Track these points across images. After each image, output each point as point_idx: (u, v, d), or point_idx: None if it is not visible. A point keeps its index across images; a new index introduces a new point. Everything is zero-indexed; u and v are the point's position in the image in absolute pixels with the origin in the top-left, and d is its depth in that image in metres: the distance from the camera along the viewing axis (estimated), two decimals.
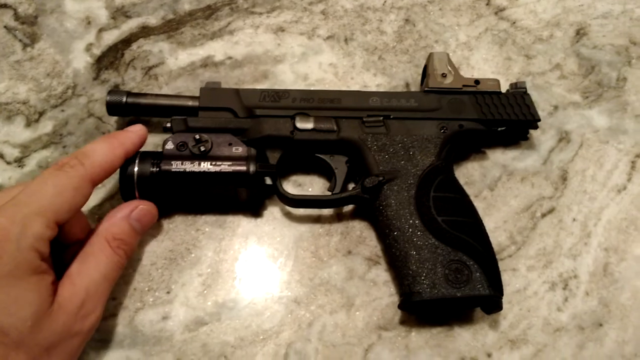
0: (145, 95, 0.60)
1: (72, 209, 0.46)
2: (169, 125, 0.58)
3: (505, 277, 0.56)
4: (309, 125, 0.58)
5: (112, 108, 0.59)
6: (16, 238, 0.42)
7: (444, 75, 0.61)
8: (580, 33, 0.71)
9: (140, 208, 0.52)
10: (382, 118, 0.59)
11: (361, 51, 0.69)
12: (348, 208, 0.60)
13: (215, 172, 0.55)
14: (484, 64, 0.68)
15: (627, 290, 0.57)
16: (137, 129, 0.55)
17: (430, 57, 0.62)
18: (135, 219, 0.52)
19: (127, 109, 0.59)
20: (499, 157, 0.63)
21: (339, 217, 0.60)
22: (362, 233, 0.59)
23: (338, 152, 0.59)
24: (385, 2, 0.72)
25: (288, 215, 0.60)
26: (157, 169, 0.54)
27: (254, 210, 0.60)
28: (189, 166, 0.55)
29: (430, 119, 0.59)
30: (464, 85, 0.61)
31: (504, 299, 0.53)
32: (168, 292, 0.55)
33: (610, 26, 0.71)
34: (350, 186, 0.60)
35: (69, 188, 0.46)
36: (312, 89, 0.66)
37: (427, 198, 0.55)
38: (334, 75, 0.67)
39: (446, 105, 0.60)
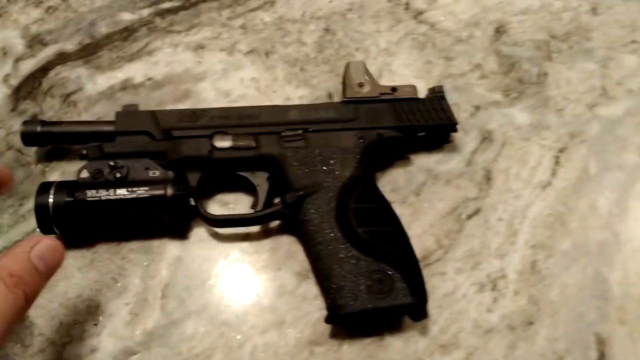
0: (59, 123, 0.59)
1: None
2: (84, 152, 0.57)
3: (434, 282, 0.56)
4: (227, 143, 0.57)
5: (27, 139, 0.58)
6: None
7: (360, 85, 0.61)
8: (499, 31, 0.71)
9: (42, 243, 0.46)
10: (301, 131, 0.58)
11: (282, 64, 0.69)
12: (276, 224, 0.59)
13: (132, 199, 0.54)
14: (405, 69, 0.68)
15: (555, 287, 0.57)
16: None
17: (346, 67, 0.62)
18: (38, 256, 0.46)
19: (42, 139, 0.58)
20: (423, 161, 0.63)
21: (266, 234, 0.59)
22: (290, 248, 0.58)
23: (259, 169, 0.58)
24: (304, 13, 0.72)
25: (215, 236, 0.59)
26: (72, 199, 0.53)
27: (180, 233, 0.59)
28: (104, 194, 0.54)
29: (348, 129, 0.59)
30: (381, 94, 0.60)
31: (433, 304, 0.53)
32: (95, 324, 0.54)
33: (530, 22, 0.71)
34: (277, 201, 0.59)
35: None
36: (233, 105, 0.65)
37: (347, 210, 0.54)
38: (256, 89, 0.67)
39: (364, 115, 0.59)
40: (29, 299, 0.45)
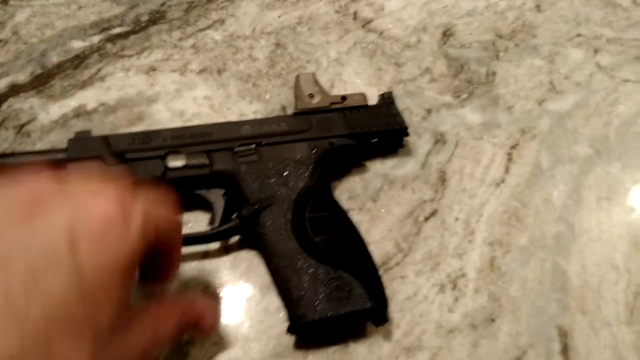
0: (12, 155, 0.59)
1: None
2: None
3: (394, 286, 0.56)
4: (180, 162, 0.58)
5: None
6: (137, 218, 0.35)
7: (311, 96, 0.61)
8: (447, 34, 0.72)
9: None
10: (254, 146, 0.59)
11: (235, 80, 0.69)
12: (235, 239, 0.59)
13: None
14: (356, 77, 0.69)
15: (515, 282, 0.58)
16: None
17: (296, 79, 0.62)
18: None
19: None
20: (378, 167, 0.64)
21: (226, 250, 0.59)
22: (251, 262, 0.58)
23: (214, 186, 0.59)
24: (254, 29, 0.73)
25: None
26: None
27: None
28: None
29: (300, 140, 0.59)
30: (331, 103, 0.61)
31: (395, 308, 0.53)
32: None
33: (476, 23, 0.73)
34: (234, 217, 0.60)
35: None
36: (187, 124, 0.66)
37: (302, 220, 0.55)
38: (210, 107, 0.67)
39: (316, 125, 0.60)
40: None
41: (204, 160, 0.58)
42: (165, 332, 0.42)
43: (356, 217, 0.57)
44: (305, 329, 0.53)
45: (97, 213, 0.34)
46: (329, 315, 0.51)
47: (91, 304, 0.33)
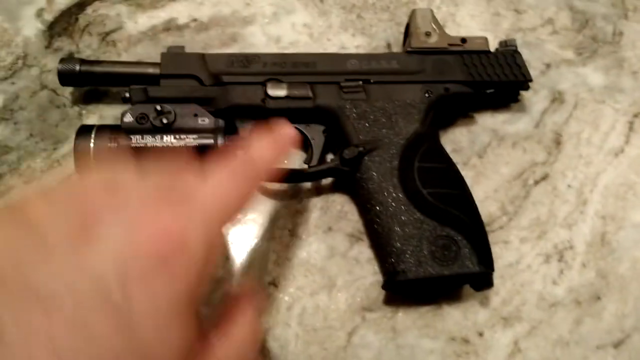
0: (100, 62, 0.55)
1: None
2: (127, 95, 0.53)
3: (496, 250, 0.52)
4: (282, 92, 0.53)
5: (65, 78, 0.54)
6: (195, 248, 0.31)
7: (427, 34, 0.56)
8: None
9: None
10: (361, 82, 0.54)
11: (338, 9, 0.63)
12: (327, 181, 0.55)
13: (180, 147, 0.50)
14: (470, 20, 0.63)
15: (625, 261, 0.54)
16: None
17: (412, 13, 0.57)
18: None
19: (81, 79, 0.54)
20: (488, 121, 0.58)
21: (317, 191, 0.55)
22: (342, 207, 0.55)
23: (314, 121, 0.54)
24: None
25: (262, 190, 0.55)
26: (116, 144, 0.50)
27: None
28: (150, 140, 0.50)
29: (413, 82, 0.54)
30: (449, 45, 0.56)
31: (496, 274, 0.49)
32: None
33: None
34: (329, 157, 0.55)
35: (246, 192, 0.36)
36: (284, 52, 0.61)
37: (411, 169, 0.50)
38: (309, 36, 0.62)
39: (430, 67, 0.55)
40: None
41: (306, 92, 0.53)
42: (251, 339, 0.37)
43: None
44: (405, 287, 0.49)
45: (151, 247, 0.29)
46: (433, 274, 0.47)
47: (145, 357, 0.28)
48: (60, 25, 0.62)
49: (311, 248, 0.53)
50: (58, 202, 0.30)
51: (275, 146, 0.40)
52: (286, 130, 0.41)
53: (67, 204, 0.30)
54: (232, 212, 0.35)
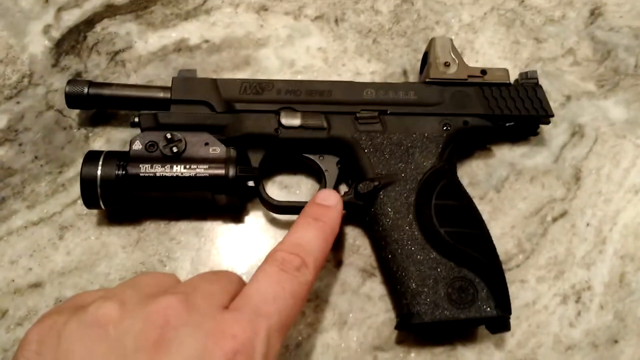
0: (109, 85, 0.53)
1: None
2: (136, 120, 0.51)
3: (513, 290, 0.51)
4: (296, 121, 0.52)
5: (73, 100, 0.52)
6: (261, 356, 0.34)
7: (447, 64, 0.54)
8: (595, 13, 0.64)
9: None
10: (377, 113, 0.52)
11: (353, 33, 0.62)
12: None
13: (190, 177, 0.48)
14: (489, 48, 0.61)
15: None
16: (335, 202, 0.46)
17: (431, 42, 0.55)
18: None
19: (89, 101, 0.52)
20: (506, 154, 0.57)
21: None
22: (355, 241, 0.53)
23: (328, 152, 0.53)
24: None
25: (273, 222, 0.54)
26: (124, 172, 0.48)
27: (235, 215, 0.54)
28: (159, 170, 0.48)
29: (431, 114, 0.52)
30: (469, 76, 0.54)
31: (512, 315, 0.48)
32: None
33: (628, 5, 0.64)
34: (342, 188, 0.54)
35: (300, 300, 0.39)
36: (298, 77, 0.59)
37: (428, 206, 0.49)
38: (324, 61, 0.60)
39: (449, 99, 0.53)
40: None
41: (321, 122, 0.52)
42: None
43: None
44: (418, 329, 0.48)
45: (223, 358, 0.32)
46: (449, 318, 0.46)
47: None
48: (68, 43, 0.60)
49: (322, 283, 0.51)
50: (137, 317, 0.33)
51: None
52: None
53: (147, 319, 0.33)
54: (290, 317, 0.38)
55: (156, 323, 0.32)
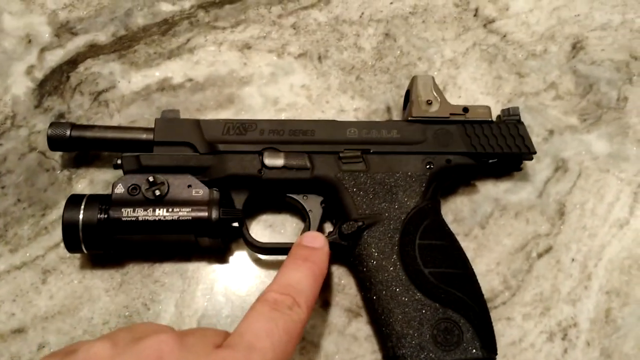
0: (92, 127, 0.53)
1: None
2: (119, 162, 0.51)
3: (499, 328, 0.51)
4: (279, 162, 0.52)
5: (55, 143, 0.52)
6: None
7: (429, 103, 0.54)
8: (576, 47, 0.64)
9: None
10: (360, 153, 0.52)
11: (337, 70, 0.62)
12: None
13: (172, 220, 0.48)
14: (472, 83, 0.62)
15: (630, 339, 0.52)
16: (321, 244, 0.47)
17: (413, 81, 0.55)
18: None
19: (72, 144, 0.52)
20: (490, 190, 0.57)
21: None
22: (340, 280, 0.53)
23: (312, 192, 0.53)
24: (362, 14, 0.65)
25: (258, 262, 0.54)
26: (106, 216, 0.48)
27: (219, 256, 0.53)
28: (141, 213, 0.48)
29: (414, 153, 0.53)
30: (451, 114, 0.54)
31: (498, 353, 0.48)
32: None
33: (609, 39, 0.65)
34: (327, 227, 0.54)
35: (295, 337, 0.39)
36: (282, 115, 0.59)
37: (412, 246, 0.49)
38: (307, 98, 0.61)
39: (432, 137, 0.53)
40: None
41: (304, 162, 0.52)
42: None
43: (460, 244, 0.51)
44: None
45: None
46: None
47: None
48: (51, 84, 0.60)
49: (308, 324, 0.51)
50: (130, 354, 0.33)
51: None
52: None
53: (140, 355, 0.33)
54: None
55: (150, 359, 0.32)
